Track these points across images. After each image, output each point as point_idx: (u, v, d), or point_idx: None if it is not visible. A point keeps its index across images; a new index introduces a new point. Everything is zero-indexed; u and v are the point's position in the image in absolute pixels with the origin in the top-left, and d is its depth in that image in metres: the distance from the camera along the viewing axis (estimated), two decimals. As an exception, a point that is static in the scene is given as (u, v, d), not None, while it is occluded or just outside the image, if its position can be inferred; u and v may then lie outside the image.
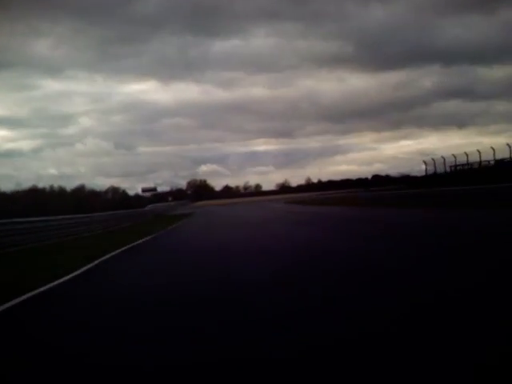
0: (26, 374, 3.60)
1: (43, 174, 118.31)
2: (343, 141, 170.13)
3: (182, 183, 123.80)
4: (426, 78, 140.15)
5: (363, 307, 4.72)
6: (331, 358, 3.37)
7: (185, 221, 33.81)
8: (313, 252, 9.92)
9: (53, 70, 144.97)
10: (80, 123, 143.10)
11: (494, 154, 40.03)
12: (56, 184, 76.76)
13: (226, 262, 9.21)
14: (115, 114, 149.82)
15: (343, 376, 3.06)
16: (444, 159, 47.33)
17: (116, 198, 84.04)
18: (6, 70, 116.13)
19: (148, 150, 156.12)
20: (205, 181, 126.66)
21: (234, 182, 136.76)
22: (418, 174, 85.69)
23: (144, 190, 70.18)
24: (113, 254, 12.62)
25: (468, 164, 44.14)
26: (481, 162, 42.52)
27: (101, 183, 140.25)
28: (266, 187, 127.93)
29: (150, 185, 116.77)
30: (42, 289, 7.27)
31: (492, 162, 42.48)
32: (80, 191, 74.15)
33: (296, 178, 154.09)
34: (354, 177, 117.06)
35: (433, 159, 49.36)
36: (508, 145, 38.04)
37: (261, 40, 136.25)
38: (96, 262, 10.77)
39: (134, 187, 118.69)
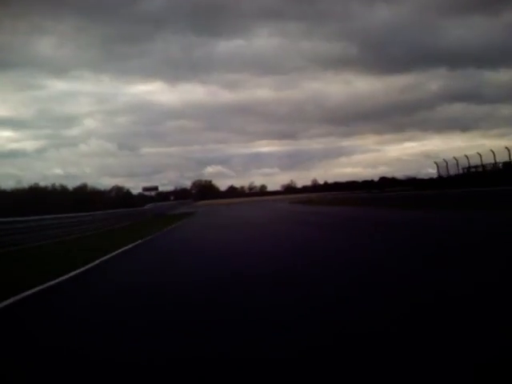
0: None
1: (47, 174, 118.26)
2: (346, 143, 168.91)
3: (187, 184, 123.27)
4: (432, 81, 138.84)
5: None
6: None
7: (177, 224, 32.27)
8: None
9: (57, 69, 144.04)
10: (85, 124, 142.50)
11: (495, 157, 39.76)
12: (64, 184, 76.00)
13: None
14: (120, 115, 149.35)
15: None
16: (457, 161, 45.98)
17: (119, 197, 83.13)
18: (10, 70, 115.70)
19: (153, 151, 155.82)
20: (210, 181, 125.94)
21: (239, 182, 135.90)
22: (425, 177, 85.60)
23: (145, 189, 68.60)
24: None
25: (482, 166, 42.73)
26: (495, 163, 41.29)
27: (106, 183, 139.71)
28: (271, 188, 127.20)
29: (156, 185, 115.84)
30: None
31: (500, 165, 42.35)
32: (82, 190, 73.06)
33: (301, 179, 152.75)
34: (359, 179, 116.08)
35: (445, 161, 48.04)
36: (507, 148, 37.53)
37: (265, 40, 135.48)
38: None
39: (138, 187, 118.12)
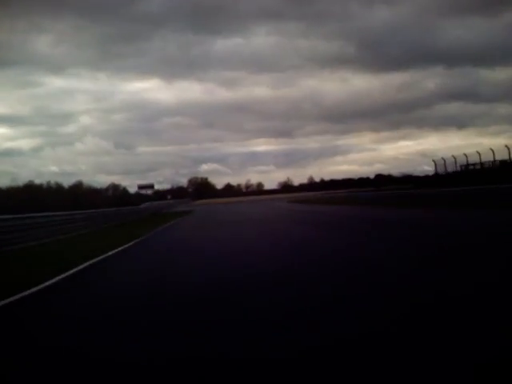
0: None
1: (43, 172, 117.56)
2: (342, 141, 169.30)
3: (183, 181, 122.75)
4: (429, 80, 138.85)
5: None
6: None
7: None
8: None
9: (54, 67, 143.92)
10: (81, 121, 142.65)
11: (494, 155, 39.89)
12: (59, 182, 75.25)
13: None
14: (117, 113, 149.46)
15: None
16: (455, 159, 45.86)
17: (116, 195, 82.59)
18: (8, 67, 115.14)
19: (148, 149, 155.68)
20: (206, 178, 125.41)
21: (235, 180, 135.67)
22: (421, 174, 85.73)
23: (140, 187, 66.68)
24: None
25: (481, 164, 42.58)
26: (494, 161, 41.21)
27: (101, 181, 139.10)
28: (267, 186, 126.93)
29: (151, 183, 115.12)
30: None
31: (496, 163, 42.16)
32: (78, 188, 72.48)
33: (297, 177, 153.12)
34: (355, 176, 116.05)
35: (443, 159, 47.91)
36: (506, 146, 37.64)
37: (263, 39, 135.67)
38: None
39: (134, 185, 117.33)
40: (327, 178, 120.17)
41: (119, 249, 13.14)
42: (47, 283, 7.58)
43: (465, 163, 44.79)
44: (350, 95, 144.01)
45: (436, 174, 49.68)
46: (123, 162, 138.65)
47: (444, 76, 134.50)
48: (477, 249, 8.55)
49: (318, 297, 5.39)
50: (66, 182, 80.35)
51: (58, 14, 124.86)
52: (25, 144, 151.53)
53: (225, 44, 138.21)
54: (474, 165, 44.80)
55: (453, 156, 45.73)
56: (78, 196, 64.34)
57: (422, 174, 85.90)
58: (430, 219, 17.60)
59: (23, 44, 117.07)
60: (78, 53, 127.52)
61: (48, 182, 71.13)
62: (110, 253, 12.11)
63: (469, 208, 20.50)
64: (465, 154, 44.34)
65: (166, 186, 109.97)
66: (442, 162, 47.52)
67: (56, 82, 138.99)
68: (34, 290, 7.04)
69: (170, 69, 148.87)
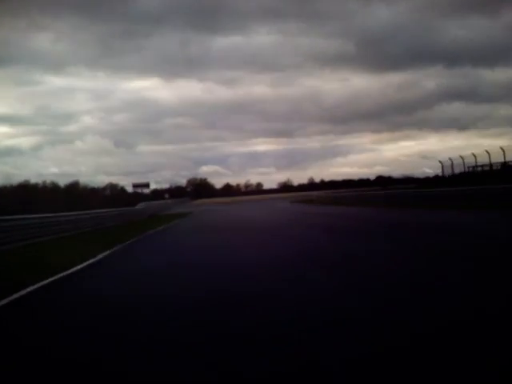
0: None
1: (42, 171, 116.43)
2: (343, 141, 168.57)
3: (183, 181, 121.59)
4: (429, 80, 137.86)
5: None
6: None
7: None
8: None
9: (54, 66, 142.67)
10: (81, 120, 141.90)
11: (490, 157, 39.32)
12: (55, 181, 73.65)
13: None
14: (117, 112, 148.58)
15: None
16: (463, 159, 44.52)
17: (113, 195, 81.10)
18: (7, 66, 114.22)
19: (148, 148, 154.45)
20: (205, 179, 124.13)
21: (234, 181, 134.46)
22: (421, 176, 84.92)
23: (135, 186, 63.69)
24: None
25: (490, 165, 41.21)
26: (505, 162, 39.98)
27: (101, 181, 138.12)
28: (267, 186, 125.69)
29: (152, 183, 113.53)
30: None
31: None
32: (74, 187, 70.86)
33: (297, 178, 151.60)
34: (355, 178, 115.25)
35: (450, 159, 46.61)
36: (501, 148, 37.08)
37: (263, 38, 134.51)
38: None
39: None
40: (327, 179, 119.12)
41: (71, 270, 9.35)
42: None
43: (472, 164, 43.56)
44: (351, 95, 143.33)
45: (442, 175, 48.36)
46: (123, 162, 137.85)
47: (444, 76, 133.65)
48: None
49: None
50: (65, 182, 79.09)
51: (57, 12, 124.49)
52: (25, 142, 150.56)
53: (225, 43, 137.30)
54: (482, 166, 43.51)
55: (460, 156, 44.44)
56: (74, 196, 62.69)
57: (422, 176, 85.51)
58: (457, 222, 16.12)
59: (23, 42, 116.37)
60: (77, 51, 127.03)
61: (44, 182, 69.71)
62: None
63: (494, 209, 19.04)
64: (473, 154, 43.03)
65: (165, 186, 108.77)
66: (449, 162, 46.20)
67: (56, 81, 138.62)
68: None
69: (170, 67, 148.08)
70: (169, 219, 32.21)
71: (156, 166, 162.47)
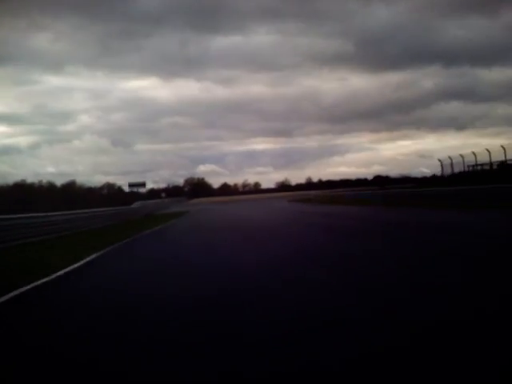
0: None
1: (40, 170, 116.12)
2: (341, 140, 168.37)
3: (180, 181, 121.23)
4: (427, 79, 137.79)
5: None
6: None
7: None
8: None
9: (53, 65, 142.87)
10: (79, 120, 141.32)
11: (490, 156, 39.12)
12: (52, 180, 73.14)
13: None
14: (115, 111, 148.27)
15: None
16: (463, 158, 44.24)
17: (110, 194, 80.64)
18: (5, 65, 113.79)
19: (146, 148, 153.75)
20: (202, 178, 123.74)
21: (232, 180, 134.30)
22: (418, 176, 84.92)
23: (131, 185, 62.47)
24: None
25: (490, 164, 40.95)
26: (506, 160, 39.74)
27: (99, 181, 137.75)
28: (264, 186, 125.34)
29: (149, 183, 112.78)
30: None
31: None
32: (70, 187, 70.33)
33: (295, 177, 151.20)
34: (353, 177, 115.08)
35: (450, 158, 46.34)
36: (502, 146, 36.83)
37: (261, 37, 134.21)
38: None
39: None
40: (325, 178, 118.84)
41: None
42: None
43: (472, 163, 43.29)
44: (349, 95, 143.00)
45: (442, 175, 48.09)
46: (121, 161, 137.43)
47: (442, 75, 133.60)
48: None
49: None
50: (62, 181, 78.59)
51: (56, 11, 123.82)
52: (22, 142, 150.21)
53: (223, 42, 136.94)
54: (482, 165, 43.23)
55: (460, 155, 44.16)
56: (70, 195, 62.19)
57: (420, 175, 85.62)
58: (456, 221, 15.79)
59: (22, 42, 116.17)
60: (76, 51, 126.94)
61: (40, 181, 69.17)
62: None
63: (488, 208, 18.76)
64: (473, 153, 42.75)
65: (162, 185, 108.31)
66: (449, 161, 45.93)
67: (54, 80, 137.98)
68: None
69: (169, 67, 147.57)
70: (165, 219, 31.70)
71: (154, 165, 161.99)
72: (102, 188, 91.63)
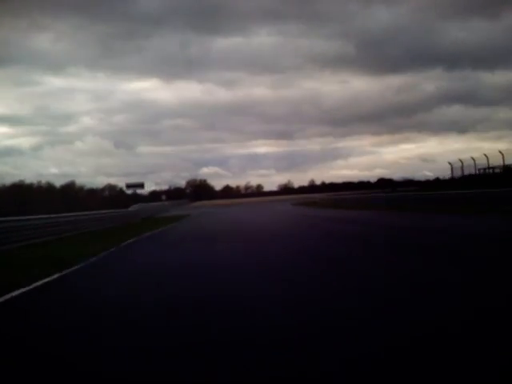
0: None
1: (42, 172, 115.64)
2: (343, 143, 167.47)
3: (182, 183, 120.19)
4: (429, 82, 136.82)
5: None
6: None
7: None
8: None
9: (54, 66, 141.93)
10: (81, 121, 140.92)
11: (488, 160, 39.07)
12: (51, 181, 71.88)
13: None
14: (116, 113, 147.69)
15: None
16: (474, 161, 43.01)
17: (112, 196, 79.53)
18: (7, 66, 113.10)
19: (148, 149, 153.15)
20: (205, 180, 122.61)
21: (234, 182, 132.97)
22: (421, 179, 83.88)
23: (129, 186, 59.54)
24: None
25: (503, 167, 39.69)
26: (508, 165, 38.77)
27: (100, 182, 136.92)
28: (267, 188, 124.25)
29: (151, 184, 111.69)
30: None
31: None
32: (70, 188, 69.06)
33: (297, 180, 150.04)
34: (355, 180, 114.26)
35: (460, 160, 45.10)
36: (500, 152, 36.74)
37: (263, 39, 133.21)
38: None
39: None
40: (328, 181, 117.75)
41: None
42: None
43: (483, 166, 42.14)
44: (351, 97, 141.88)
45: (452, 177, 46.82)
46: (123, 162, 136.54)
47: (444, 79, 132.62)
48: None
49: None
50: (62, 183, 77.41)
51: (58, 12, 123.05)
52: (24, 143, 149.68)
53: (225, 44, 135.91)
54: (493, 168, 42.05)
55: (472, 158, 42.95)
56: (69, 197, 60.90)
57: (423, 179, 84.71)
58: (469, 226, 14.43)
59: (23, 42, 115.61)
60: (77, 52, 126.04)
61: (39, 182, 67.91)
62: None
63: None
64: (485, 155, 41.52)
65: (164, 187, 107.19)
66: (459, 164, 44.70)
67: (55, 81, 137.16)
68: None
69: (170, 69, 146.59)
70: (164, 223, 30.19)
71: (156, 167, 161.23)
72: (103, 190, 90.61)
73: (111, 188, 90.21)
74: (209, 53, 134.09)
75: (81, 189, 72.59)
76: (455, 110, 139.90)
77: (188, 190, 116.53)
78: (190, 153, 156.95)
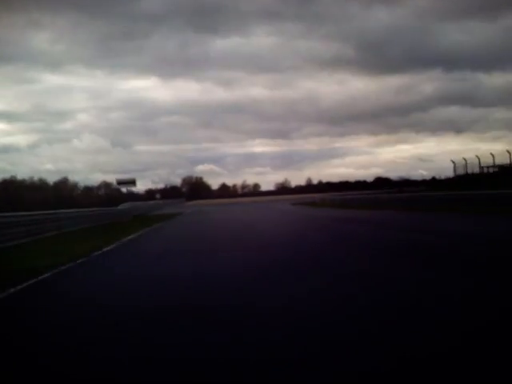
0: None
1: (38, 168, 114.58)
2: (340, 143, 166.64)
3: (178, 181, 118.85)
4: (427, 83, 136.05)
5: None
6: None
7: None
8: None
9: (52, 64, 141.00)
10: (78, 119, 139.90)
11: (494, 160, 39.11)
12: (43, 178, 70.40)
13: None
14: (114, 111, 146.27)
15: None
16: (479, 159, 41.91)
17: (108, 194, 78.17)
18: (5, 63, 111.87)
19: (145, 148, 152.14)
20: (201, 178, 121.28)
21: (231, 181, 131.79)
22: (418, 178, 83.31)
23: (119, 183, 56.84)
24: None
25: (511, 164, 38.62)
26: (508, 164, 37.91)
27: (96, 179, 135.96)
28: (264, 187, 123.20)
29: (147, 182, 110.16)
30: None
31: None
32: (63, 184, 67.48)
33: (294, 179, 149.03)
34: (352, 179, 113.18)
35: (464, 159, 44.02)
36: (508, 151, 36.79)
37: (262, 39, 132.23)
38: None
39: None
40: (324, 180, 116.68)
41: None
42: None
43: (487, 165, 41.12)
44: (348, 98, 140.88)
45: (455, 176, 45.69)
46: (119, 160, 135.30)
47: (442, 80, 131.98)
48: None
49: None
50: (55, 179, 76.02)
51: (56, 10, 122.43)
52: (21, 140, 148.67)
53: (223, 44, 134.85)
54: (498, 166, 41.02)
55: (477, 156, 41.87)
56: (61, 193, 59.39)
57: (419, 178, 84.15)
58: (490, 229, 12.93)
59: (21, 40, 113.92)
60: (75, 50, 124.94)
61: (31, 178, 66.31)
62: None
63: None
64: (491, 154, 40.46)
65: (160, 186, 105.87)
66: (463, 162, 43.60)
67: (53, 79, 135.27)
68: None
69: (168, 67, 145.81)
70: (157, 220, 29.16)
71: (152, 165, 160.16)
72: (98, 187, 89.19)
73: (107, 186, 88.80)
74: (207, 52, 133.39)
75: (74, 186, 71.08)
76: (452, 111, 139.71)
77: (184, 189, 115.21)
78: (186, 152, 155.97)
